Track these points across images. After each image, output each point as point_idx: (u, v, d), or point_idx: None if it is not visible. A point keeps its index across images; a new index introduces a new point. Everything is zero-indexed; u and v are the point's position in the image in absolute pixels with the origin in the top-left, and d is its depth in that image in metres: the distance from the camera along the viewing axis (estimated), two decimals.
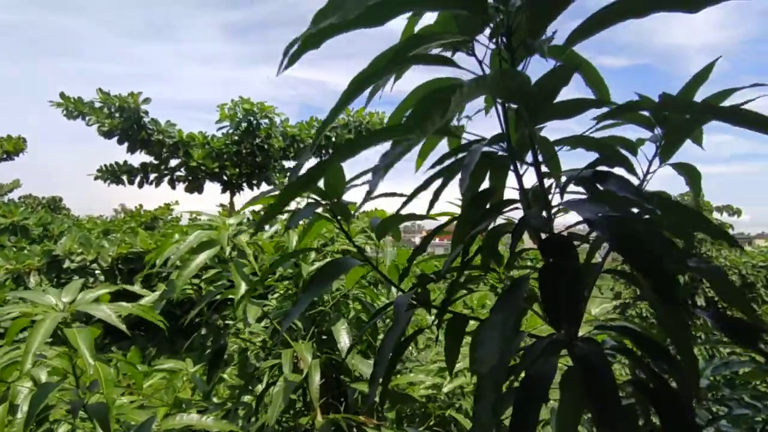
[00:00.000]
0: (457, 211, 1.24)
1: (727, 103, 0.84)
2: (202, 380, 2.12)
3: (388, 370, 0.94)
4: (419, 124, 0.54)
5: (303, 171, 0.63)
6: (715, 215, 11.41)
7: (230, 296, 1.86)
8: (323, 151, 11.63)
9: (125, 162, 11.14)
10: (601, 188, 0.66)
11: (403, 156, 0.56)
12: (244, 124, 10.72)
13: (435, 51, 0.76)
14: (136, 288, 1.96)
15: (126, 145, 10.50)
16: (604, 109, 0.70)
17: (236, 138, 10.95)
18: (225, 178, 11.56)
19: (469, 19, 0.67)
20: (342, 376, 2.09)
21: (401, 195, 0.94)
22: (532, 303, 0.89)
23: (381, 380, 0.85)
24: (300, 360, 1.73)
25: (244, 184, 11.91)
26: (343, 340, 1.84)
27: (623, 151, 0.86)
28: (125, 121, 10.11)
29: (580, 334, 0.74)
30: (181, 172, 11.51)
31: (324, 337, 2.06)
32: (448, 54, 0.79)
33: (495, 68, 0.72)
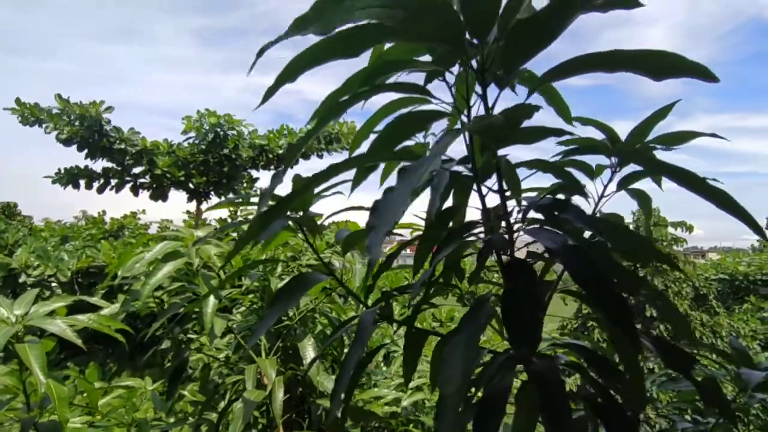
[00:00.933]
0: (421, 222, 1.26)
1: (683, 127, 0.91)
2: (161, 399, 2.05)
3: (351, 386, 0.95)
4: (384, 152, 0.56)
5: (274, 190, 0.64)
6: (670, 230, 11.97)
7: (194, 310, 1.82)
8: (294, 162, 11.57)
9: (86, 167, 10.71)
10: (559, 215, 0.70)
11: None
12: (210, 135, 10.59)
13: (404, 73, 0.79)
14: (95, 299, 1.88)
15: (86, 152, 10.10)
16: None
17: (203, 147, 10.79)
18: (191, 186, 11.30)
19: (446, 51, 0.71)
20: (307, 391, 2.07)
21: (368, 209, 0.95)
22: (491, 319, 0.92)
23: (343, 396, 0.85)
24: (264, 376, 1.71)
25: (212, 193, 11.68)
26: (309, 355, 1.82)
27: (582, 174, 0.92)
28: (86, 129, 9.72)
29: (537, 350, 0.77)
30: (145, 179, 11.16)
31: (290, 352, 2.03)
32: (418, 75, 0.82)
33: (476, 117, 0.75)
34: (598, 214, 0.98)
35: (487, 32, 0.64)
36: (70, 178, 10.53)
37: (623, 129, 0.96)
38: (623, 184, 0.94)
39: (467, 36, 0.64)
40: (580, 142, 0.91)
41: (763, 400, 1.16)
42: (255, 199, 1.15)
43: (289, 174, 0.95)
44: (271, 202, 0.93)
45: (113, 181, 10.89)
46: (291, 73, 0.61)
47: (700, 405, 1.34)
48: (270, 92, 0.62)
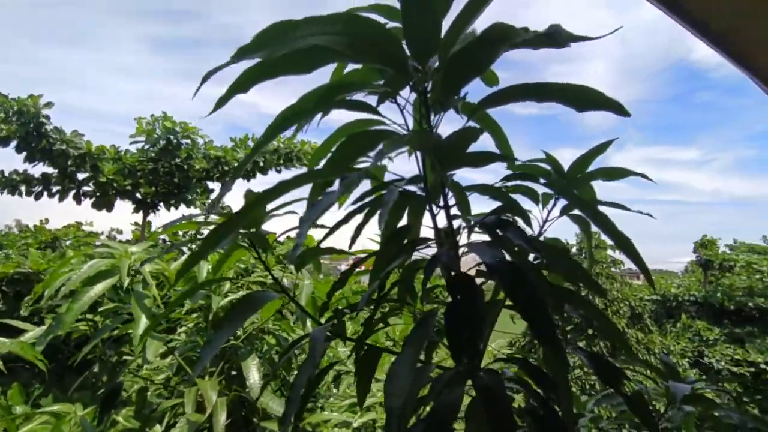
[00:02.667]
0: (377, 247, 1.27)
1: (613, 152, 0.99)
2: (92, 426, 1.89)
3: (301, 407, 0.93)
4: (337, 169, 0.57)
5: (223, 201, 0.63)
6: (609, 252, 12.71)
7: (129, 330, 1.71)
8: (251, 175, 11.29)
9: (24, 171, 9.89)
10: (501, 234, 0.73)
11: (328, 209, 0.59)
12: (162, 142, 10.05)
13: (361, 95, 0.81)
14: (18, 323, 1.73)
15: (25, 154, 9.34)
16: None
17: (153, 155, 10.24)
18: (138, 196, 10.69)
19: (393, 75, 0.74)
20: (251, 414, 1.98)
21: (323, 227, 0.95)
22: (441, 337, 0.94)
23: (293, 419, 0.83)
24: (204, 399, 1.62)
25: (161, 204, 11.08)
26: (253, 376, 1.75)
27: (526, 199, 0.97)
28: (22, 126, 9.00)
29: (484, 365, 0.79)
30: (89, 187, 10.44)
31: (234, 373, 1.95)
32: (374, 97, 0.85)
33: (414, 130, 0.78)
34: (542, 238, 1.03)
35: (428, 59, 0.68)
36: (7, 183, 9.69)
37: (567, 157, 1.03)
38: (564, 211, 1.00)
39: (411, 62, 0.68)
40: (531, 170, 0.97)
41: (690, 413, 1.24)
42: (214, 217, 1.12)
43: (242, 189, 0.93)
44: (215, 217, 0.91)
45: (55, 188, 10.12)
46: (243, 84, 0.62)
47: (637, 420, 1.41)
48: (222, 101, 0.62)
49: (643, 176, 0.96)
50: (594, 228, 1.12)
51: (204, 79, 0.59)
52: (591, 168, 1.02)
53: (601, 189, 1.09)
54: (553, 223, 1.04)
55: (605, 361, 0.70)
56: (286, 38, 0.59)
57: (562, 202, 1.03)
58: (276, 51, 0.59)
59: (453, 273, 0.74)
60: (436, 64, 0.69)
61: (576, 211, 1.02)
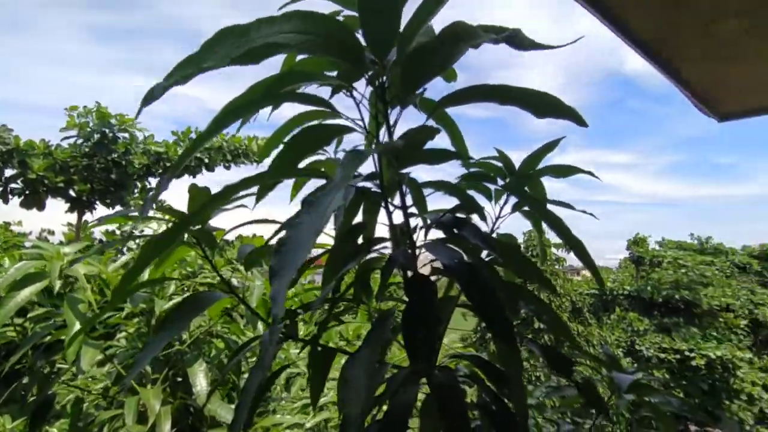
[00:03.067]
0: (331, 241, 1.25)
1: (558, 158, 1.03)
2: None
3: (251, 412, 0.89)
4: (287, 168, 0.54)
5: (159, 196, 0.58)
6: (552, 250, 13.37)
7: (62, 337, 1.58)
8: (196, 170, 10.80)
9: None
10: (458, 233, 0.73)
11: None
12: (97, 136, 9.33)
13: (314, 86, 0.78)
14: None
15: None
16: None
17: (87, 150, 9.49)
18: (72, 194, 9.90)
19: (350, 69, 0.72)
20: (199, 422, 1.89)
21: (274, 222, 0.91)
22: (397, 334, 0.93)
23: (243, 425, 0.79)
24: (147, 408, 1.53)
25: (97, 203, 10.31)
26: (200, 383, 1.67)
27: (479, 196, 0.98)
28: None
29: (438, 361, 0.79)
30: (17, 184, 9.53)
31: (179, 379, 1.85)
32: (327, 89, 0.82)
33: (383, 142, 0.76)
34: (495, 234, 1.05)
35: (387, 53, 0.66)
36: None
37: (514, 158, 1.06)
38: (516, 207, 1.03)
39: (368, 55, 0.66)
40: (483, 166, 0.98)
41: (632, 401, 1.31)
42: (152, 214, 1.04)
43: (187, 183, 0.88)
44: (156, 213, 0.85)
45: None
46: (183, 74, 0.56)
47: (579, 408, 1.48)
48: (155, 91, 0.55)
49: (590, 173, 1.00)
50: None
51: (146, 100, 0.54)
52: (540, 166, 1.05)
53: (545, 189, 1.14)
54: (505, 219, 1.06)
55: (557, 353, 0.72)
56: (237, 44, 0.55)
57: (514, 199, 1.06)
58: (227, 58, 0.55)
59: (410, 273, 0.74)
60: (395, 57, 0.68)
61: (528, 208, 1.05)
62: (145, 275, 1.77)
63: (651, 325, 15.28)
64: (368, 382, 0.57)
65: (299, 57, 0.86)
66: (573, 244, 0.71)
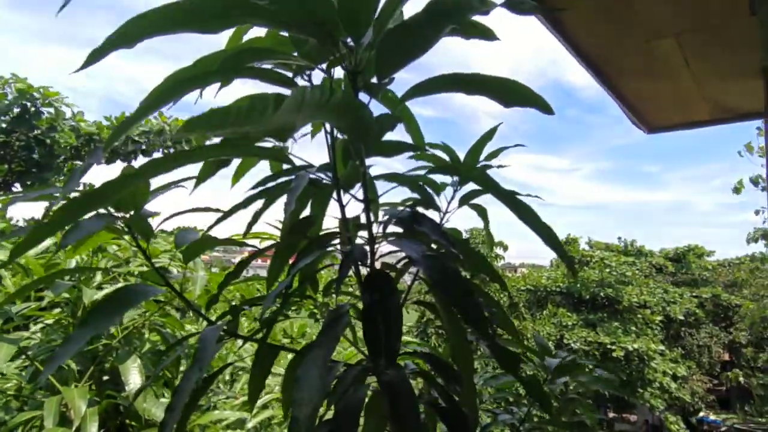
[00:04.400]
0: (276, 232, 1.20)
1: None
2: None
3: (185, 413, 0.83)
4: (237, 145, 0.49)
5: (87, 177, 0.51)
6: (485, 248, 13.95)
7: None
8: (132, 156, 10.05)
9: None
10: (417, 228, 0.72)
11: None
12: (16, 110, 8.38)
13: (265, 66, 0.73)
14: None
15: None
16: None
17: (4, 126, 8.53)
18: None
19: (316, 47, 0.66)
20: (131, 422, 1.77)
21: (217, 210, 0.86)
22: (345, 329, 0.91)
23: (175, 426, 0.73)
24: (70, 409, 1.40)
25: (16, 185, 9.30)
26: (134, 380, 1.56)
27: (429, 190, 0.98)
28: None
29: None
30: None
31: (107, 377, 1.72)
32: (283, 71, 0.77)
33: (344, 93, 0.71)
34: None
35: (363, 31, 0.62)
36: None
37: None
38: (464, 201, 1.03)
39: (341, 34, 0.61)
40: (431, 159, 0.97)
41: (565, 383, 1.40)
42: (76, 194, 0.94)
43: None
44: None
45: None
46: (130, 35, 0.48)
47: (514, 398, 1.56)
48: (98, 53, 0.48)
49: (519, 145, 1.03)
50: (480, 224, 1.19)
51: (92, 55, 0.47)
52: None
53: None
54: (452, 213, 1.07)
55: (505, 349, 0.73)
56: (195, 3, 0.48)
57: (460, 194, 1.06)
58: (178, 17, 0.48)
59: (367, 268, 0.72)
60: (369, 39, 0.63)
61: (475, 201, 1.06)
62: (72, 264, 1.62)
63: (579, 320, 16.39)
64: (322, 383, 0.55)
65: (247, 37, 0.79)
66: (543, 231, 0.70)
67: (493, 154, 1.05)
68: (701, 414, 16.42)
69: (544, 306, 17.30)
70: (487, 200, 1.14)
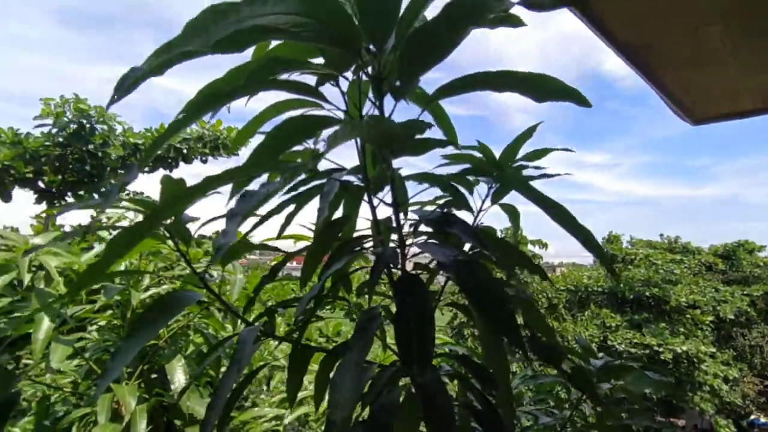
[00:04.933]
0: (308, 233, 1.22)
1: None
2: None
3: (226, 411, 0.86)
4: (270, 161, 0.51)
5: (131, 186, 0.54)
6: (530, 247, 13.59)
7: (28, 332, 1.51)
8: (173, 164, 10.49)
9: None
10: (448, 230, 0.71)
11: (264, 203, 0.52)
12: (73, 126, 8.98)
13: (298, 74, 0.74)
14: None
15: None
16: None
17: (61, 140, 9.13)
18: (42, 185, 9.49)
19: (340, 56, 0.67)
20: (176, 420, 1.84)
21: (255, 214, 0.88)
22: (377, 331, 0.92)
23: (216, 424, 0.76)
24: (121, 405, 1.48)
25: (69, 195, 9.91)
26: (178, 379, 1.62)
27: (462, 189, 0.97)
28: None
29: None
30: None
31: (154, 375, 1.80)
32: (306, 79, 0.78)
33: (371, 117, 0.72)
34: (477, 228, 1.04)
35: (386, 39, 0.62)
36: None
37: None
38: (495, 199, 1.01)
39: (364, 42, 0.62)
40: (465, 159, 0.96)
41: (611, 388, 1.34)
42: (124, 204, 0.99)
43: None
44: (130, 205, 0.81)
45: None
46: (158, 64, 0.51)
47: (555, 401, 1.52)
48: (131, 84, 0.51)
49: (567, 150, 0.99)
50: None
51: (118, 90, 0.49)
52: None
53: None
54: (486, 212, 1.05)
55: (547, 344, 0.71)
56: (224, 24, 0.49)
57: (494, 192, 1.04)
58: (211, 39, 0.49)
59: (399, 270, 0.72)
60: (392, 44, 0.63)
61: (506, 200, 1.04)
62: (121, 267, 1.70)
63: (623, 321, 15.72)
64: (356, 386, 0.55)
65: (274, 42, 0.81)
66: (581, 234, 0.68)
67: (537, 155, 1.02)
68: (752, 417, 15.45)
69: (585, 307, 16.72)
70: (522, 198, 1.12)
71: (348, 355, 0.60)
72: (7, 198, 9.56)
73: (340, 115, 0.73)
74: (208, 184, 0.53)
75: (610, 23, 1.81)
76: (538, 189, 0.72)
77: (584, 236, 0.68)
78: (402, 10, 0.60)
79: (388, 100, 0.70)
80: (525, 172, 1.00)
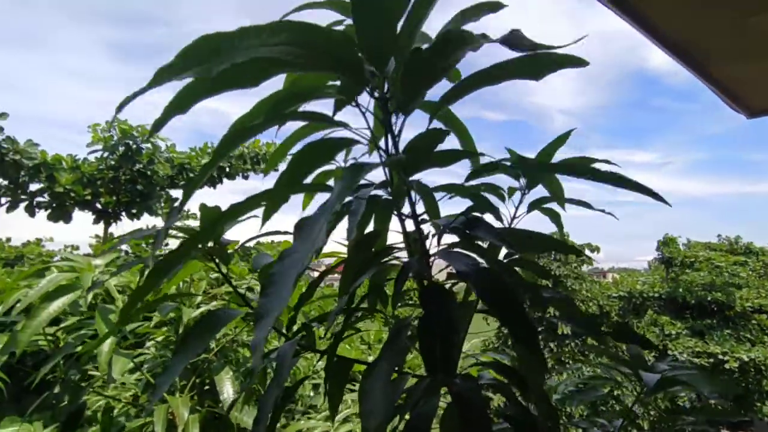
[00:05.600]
0: (344, 249, 1.25)
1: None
2: None
3: (271, 425, 0.89)
4: (295, 183, 0.54)
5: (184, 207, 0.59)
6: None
7: (94, 347, 1.63)
8: (217, 181, 11.00)
9: None
10: (471, 233, 0.72)
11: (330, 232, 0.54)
12: (121, 148, 9.61)
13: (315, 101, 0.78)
14: None
15: None
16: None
17: (113, 163, 9.80)
18: (99, 206, 10.19)
19: (348, 82, 0.71)
20: (226, 430, 1.91)
21: (286, 233, 0.92)
22: (414, 342, 0.93)
23: None
24: (176, 416, 1.56)
25: (123, 214, 10.58)
26: (227, 391, 1.70)
27: (493, 197, 0.96)
28: None
29: (459, 369, 0.78)
30: (44, 198, 9.87)
31: (206, 387, 1.88)
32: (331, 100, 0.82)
33: (389, 157, 0.74)
34: None
35: (386, 63, 0.65)
36: None
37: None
38: (533, 206, 1.00)
39: (366, 65, 0.64)
40: (494, 167, 0.96)
41: (672, 398, 1.26)
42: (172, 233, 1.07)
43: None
44: (177, 233, 0.87)
45: (4, 200, 9.52)
46: (182, 104, 0.55)
47: (600, 414, 1.45)
48: (159, 123, 0.56)
49: (608, 162, 0.96)
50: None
51: (119, 108, 0.52)
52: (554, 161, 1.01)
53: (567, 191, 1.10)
54: (521, 219, 1.04)
55: (585, 317, 0.69)
56: (219, 54, 0.51)
57: (529, 199, 1.02)
58: (210, 68, 0.52)
59: (425, 281, 0.73)
60: (394, 66, 0.66)
61: (547, 205, 1.02)
62: (171, 289, 1.81)
63: (684, 329, 14.74)
64: (387, 395, 0.56)
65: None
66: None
67: (582, 163, 1.00)
68: None
69: (640, 314, 15.81)
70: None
71: (378, 364, 0.61)
72: (68, 219, 10.30)
73: (361, 133, 0.75)
74: (235, 212, 0.57)
75: (655, 21, 1.75)
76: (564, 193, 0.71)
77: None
78: (398, 29, 0.63)
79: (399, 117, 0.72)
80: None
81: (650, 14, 1.72)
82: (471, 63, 0.72)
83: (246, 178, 11.29)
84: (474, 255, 0.68)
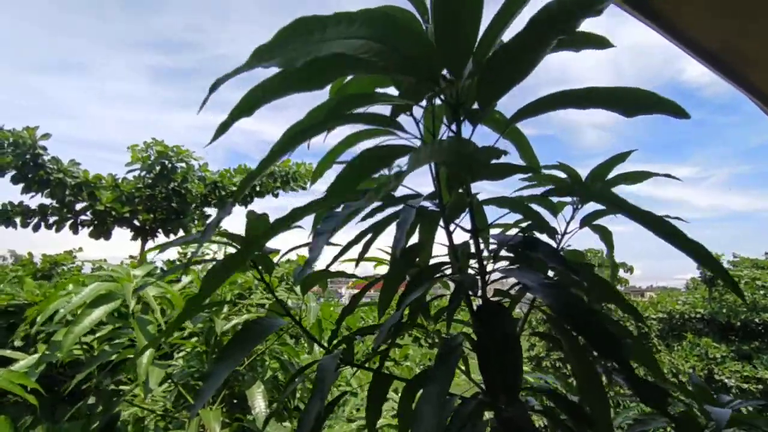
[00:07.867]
0: (385, 257, 1.21)
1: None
2: None
3: None
4: (349, 191, 0.52)
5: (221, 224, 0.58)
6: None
7: (128, 357, 1.64)
8: (248, 199, 11.25)
9: (20, 203, 9.85)
10: (531, 254, 0.68)
11: (348, 221, 0.53)
12: (157, 167, 10.07)
13: (371, 108, 0.76)
14: (9, 352, 1.66)
15: (21, 185, 9.32)
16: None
17: (149, 181, 10.24)
18: (137, 223, 10.62)
19: (416, 85, 0.68)
20: None
21: (330, 243, 0.90)
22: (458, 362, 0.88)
23: None
24: (207, 429, 1.55)
25: (159, 231, 10.99)
26: (258, 405, 1.68)
27: (545, 212, 0.92)
28: (19, 157, 9.04)
29: None
30: (86, 216, 10.37)
31: (236, 400, 1.87)
32: (383, 106, 0.79)
33: (451, 138, 0.70)
34: (561, 252, 0.98)
35: (464, 66, 0.61)
36: (1, 215, 9.63)
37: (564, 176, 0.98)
38: (586, 222, 0.95)
39: (441, 69, 0.61)
40: (547, 179, 0.92)
41: None
42: (217, 239, 1.06)
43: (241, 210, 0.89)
44: (222, 239, 0.86)
45: (51, 219, 10.04)
46: (248, 105, 0.55)
47: None
48: (225, 126, 0.55)
49: (668, 176, 0.91)
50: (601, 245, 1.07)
51: (213, 88, 0.52)
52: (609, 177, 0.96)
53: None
54: (573, 235, 0.99)
55: (646, 381, 0.64)
56: (311, 38, 0.51)
57: (581, 214, 0.98)
58: (296, 55, 0.51)
59: (479, 297, 0.69)
60: (470, 69, 0.62)
61: (598, 222, 0.97)
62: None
63: (729, 352, 13.92)
64: (438, 419, 0.53)
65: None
66: (693, 249, 0.60)
67: (635, 178, 0.95)
68: None
69: (681, 335, 15.04)
70: (605, 219, 1.04)
71: (430, 386, 0.58)
72: (108, 236, 10.75)
73: (417, 143, 0.73)
74: (295, 216, 0.55)
75: (688, 31, 1.68)
76: (631, 204, 0.65)
77: (697, 252, 0.60)
78: (480, 34, 0.59)
79: (465, 127, 0.68)
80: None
81: (687, 26, 1.65)
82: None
83: (276, 196, 11.53)
84: (539, 272, 0.63)
